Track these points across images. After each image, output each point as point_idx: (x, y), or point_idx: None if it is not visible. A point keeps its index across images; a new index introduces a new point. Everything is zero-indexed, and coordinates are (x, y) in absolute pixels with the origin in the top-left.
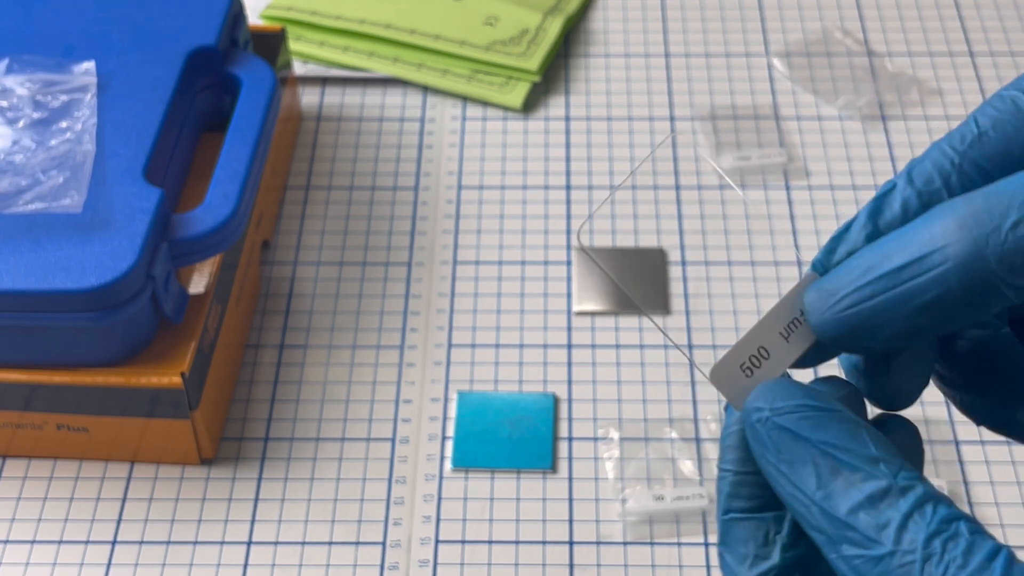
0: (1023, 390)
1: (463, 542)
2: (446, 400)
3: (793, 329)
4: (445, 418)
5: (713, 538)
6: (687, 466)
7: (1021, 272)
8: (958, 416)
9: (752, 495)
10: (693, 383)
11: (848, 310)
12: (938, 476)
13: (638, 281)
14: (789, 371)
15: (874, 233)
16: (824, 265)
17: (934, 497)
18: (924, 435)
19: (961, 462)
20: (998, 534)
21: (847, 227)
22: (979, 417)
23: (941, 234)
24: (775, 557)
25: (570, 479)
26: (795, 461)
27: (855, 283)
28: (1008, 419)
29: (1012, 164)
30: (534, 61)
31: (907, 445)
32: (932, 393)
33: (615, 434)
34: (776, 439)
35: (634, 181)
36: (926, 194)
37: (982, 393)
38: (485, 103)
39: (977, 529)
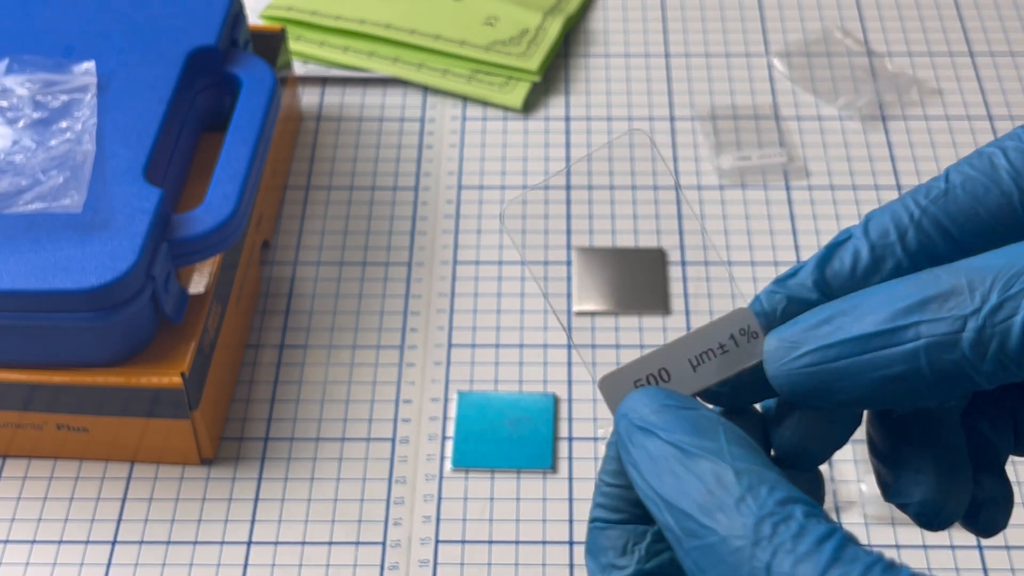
0: (958, 477)
1: (463, 542)
2: (446, 400)
3: (704, 360)
4: (445, 418)
5: None
6: None
7: (994, 361)
8: None
9: (619, 507)
10: None
11: (809, 367)
12: None
13: (638, 281)
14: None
15: (821, 283)
16: (763, 306)
17: (771, 481)
18: None
19: None
20: (997, 534)
21: (794, 272)
22: (901, 500)
23: (919, 306)
24: (631, 567)
25: (570, 479)
26: (649, 459)
27: (821, 340)
28: (936, 508)
29: (979, 228)
30: (534, 61)
31: (807, 491)
32: None
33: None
34: (635, 439)
35: (568, 180)
36: (879, 247)
37: (900, 467)
38: (485, 103)
39: (814, 512)
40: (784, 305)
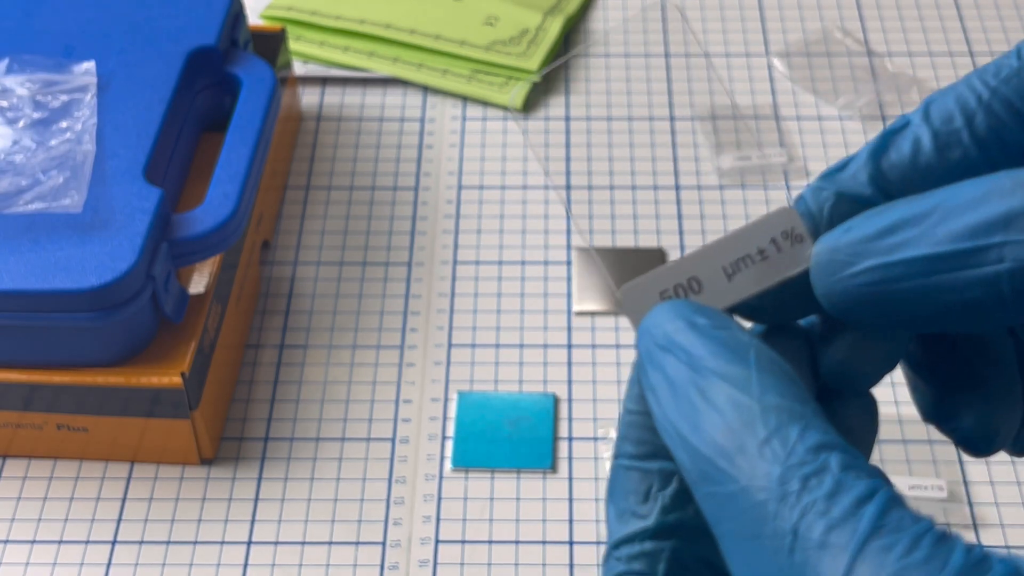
0: (1010, 397)
1: (463, 542)
2: (446, 400)
3: (742, 268)
4: (445, 418)
5: None
6: None
7: None
8: None
9: (641, 439)
10: None
11: (868, 287)
12: (938, 476)
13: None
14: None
15: (877, 176)
16: (808, 205)
17: (805, 420)
18: (924, 434)
19: (961, 462)
20: (997, 534)
21: (843, 164)
22: (950, 424)
23: (1003, 223)
24: (651, 518)
25: (570, 479)
26: (668, 384)
27: (883, 256)
28: (990, 433)
29: None
30: (534, 61)
31: (858, 420)
32: None
33: (615, 434)
34: (656, 360)
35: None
36: (943, 135)
37: (947, 386)
38: (485, 103)
39: (853, 463)
40: (832, 203)
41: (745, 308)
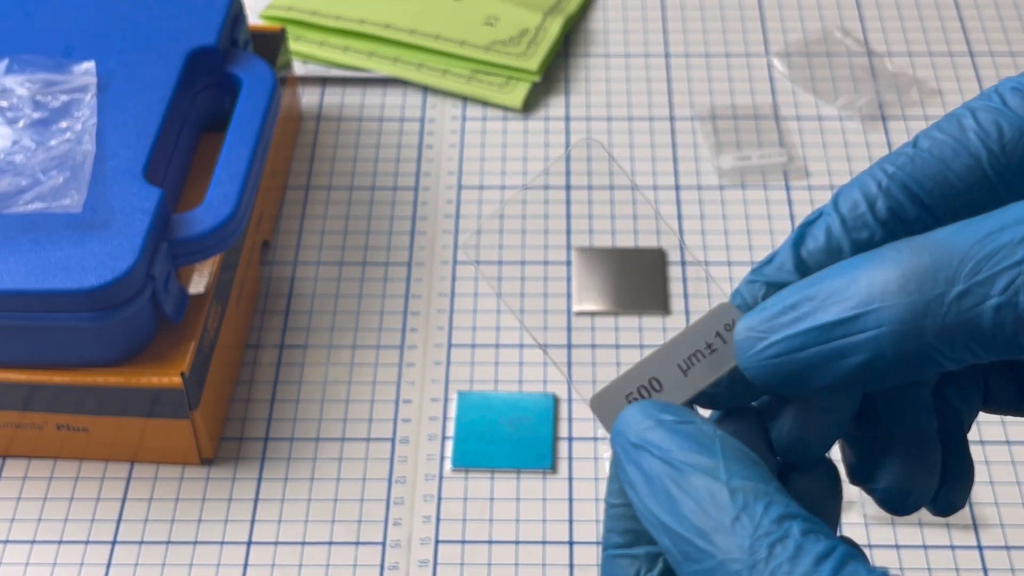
0: (927, 460)
1: (463, 542)
2: (446, 400)
3: (694, 363)
4: (445, 418)
5: None
6: None
7: (962, 347)
8: None
9: (625, 529)
10: None
11: (777, 358)
12: None
13: (637, 281)
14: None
15: (799, 264)
16: (743, 298)
17: (768, 496)
18: None
19: None
20: (998, 534)
21: (770, 259)
22: (868, 483)
23: (880, 292)
24: None
25: (570, 479)
26: (645, 478)
27: (785, 330)
28: (903, 494)
29: (949, 192)
30: (534, 61)
31: (818, 487)
32: None
33: None
34: (631, 457)
35: (525, 195)
36: (851, 220)
37: (867, 448)
38: (485, 103)
39: (812, 528)
40: (764, 293)
41: (702, 398)
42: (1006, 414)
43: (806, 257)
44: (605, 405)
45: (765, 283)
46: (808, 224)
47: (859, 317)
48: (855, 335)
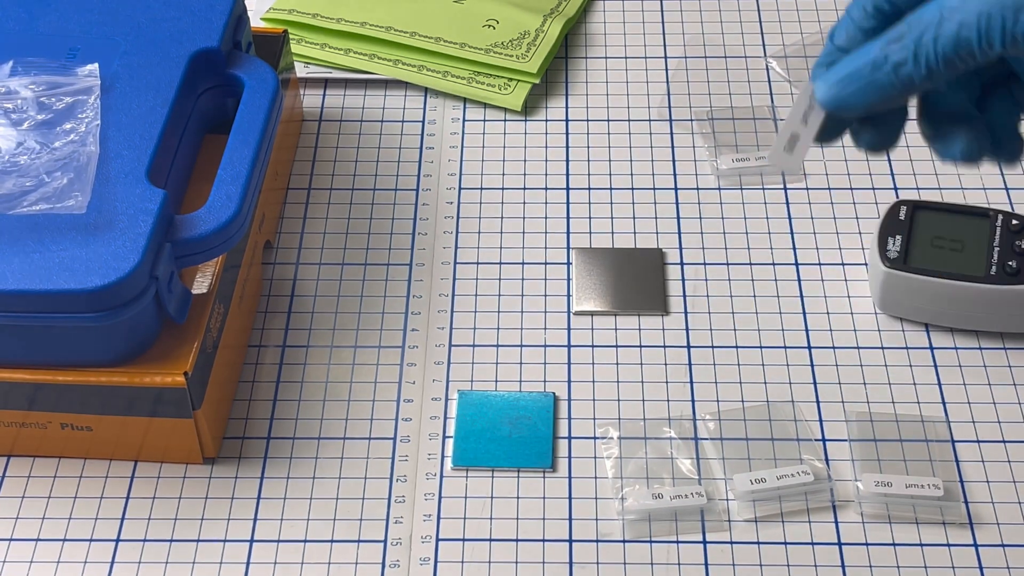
0: (979, 133)
1: (463, 540)
2: (447, 399)
3: (808, 116)
4: (446, 417)
5: (711, 536)
6: (685, 465)
7: (924, 69)
8: (955, 415)
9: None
10: (691, 383)
11: (837, 93)
12: (935, 475)
13: (637, 281)
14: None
15: (831, 51)
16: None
17: None
18: (920, 434)
19: (957, 461)
20: (994, 532)
21: (826, 54)
22: (946, 153)
23: (884, 46)
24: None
25: (569, 478)
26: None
27: (834, 75)
28: (970, 152)
29: None
30: (534, 63)
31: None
32: (929, 393)
33: (614, 433)
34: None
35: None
36: (858, 19)
37: (948, 136)
38: (485, 105)
39: None
40: (828, 63)
41: (818, 136)
42: None
43: (837, 42)
44: (778, 157)
45: (824, 65)
46: (834, 29)
47: (876, 61)
48: (877, 71)
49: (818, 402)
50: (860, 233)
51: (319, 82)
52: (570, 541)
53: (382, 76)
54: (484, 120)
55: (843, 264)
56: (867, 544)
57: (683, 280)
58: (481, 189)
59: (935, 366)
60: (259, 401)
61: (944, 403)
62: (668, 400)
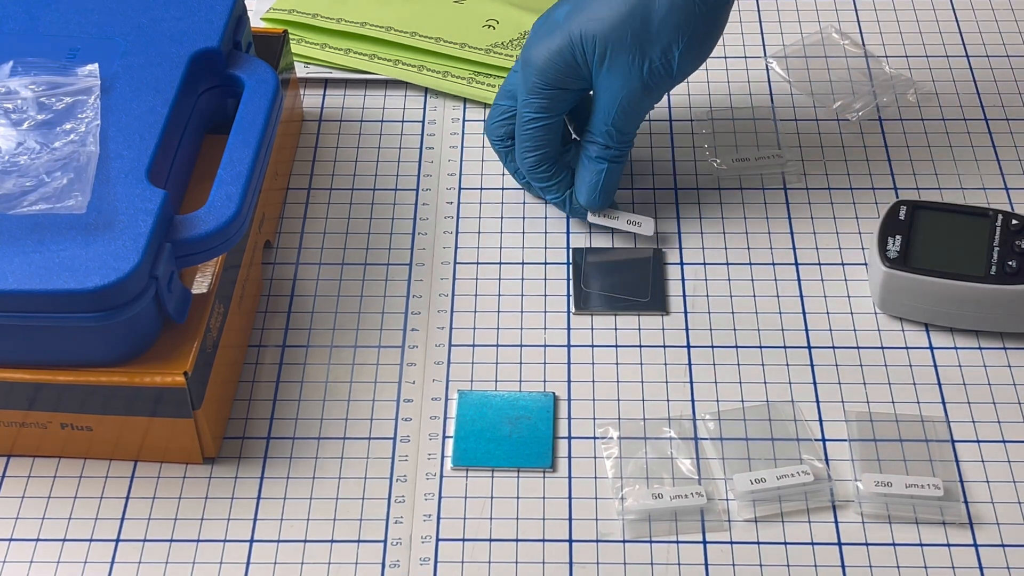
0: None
1: (463, 540)
2: (447, 399)
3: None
4: (446, 417)
5: (711, 536)
6: (685, 465)
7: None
8: (955, 415)
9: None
10: (691, 383)
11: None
12: (934, 475)
13: (636, 281)
14: None
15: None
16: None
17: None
18: (920, 434)
19: (957, 461)
20: (993, 532)
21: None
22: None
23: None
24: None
25: (569, 478)
26: None
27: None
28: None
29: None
30: None
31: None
32: (930, 393)
33: (614, 433)
34: None
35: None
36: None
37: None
38: (485, 105)
39: None
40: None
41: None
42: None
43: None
44: None
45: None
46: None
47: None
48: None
49: (818, 402)
50: (860, 233)
51: (319, 82)
52: (570, 541)
53: (382, 76)
54: (484, 120)
55: (843, 264)
56: (867, 544)
57: (683, 280)
58: (481, 189)
59: (935, 366)
60: (259, 401)
61: (944, 403)
62: (668, 400)
